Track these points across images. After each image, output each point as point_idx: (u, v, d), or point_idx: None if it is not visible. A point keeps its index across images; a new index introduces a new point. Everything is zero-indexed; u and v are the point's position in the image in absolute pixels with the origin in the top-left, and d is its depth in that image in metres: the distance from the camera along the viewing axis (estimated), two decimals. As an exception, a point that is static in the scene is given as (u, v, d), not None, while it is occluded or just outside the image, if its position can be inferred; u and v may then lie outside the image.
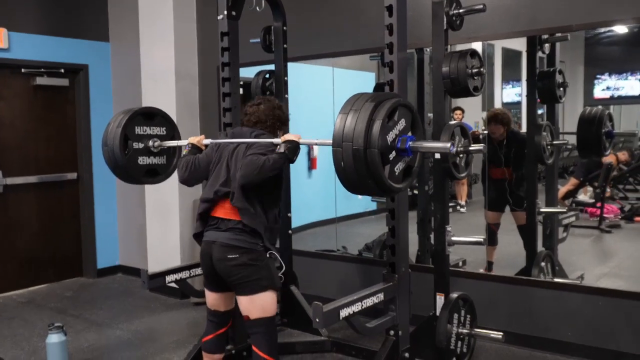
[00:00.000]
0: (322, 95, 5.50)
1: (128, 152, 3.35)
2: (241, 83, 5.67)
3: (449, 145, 2.39)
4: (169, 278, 3.42)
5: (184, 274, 3.48)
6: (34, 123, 5.80)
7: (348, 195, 5.75)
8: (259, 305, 2.83)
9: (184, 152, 3.26)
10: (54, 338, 3.70)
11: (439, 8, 3.27)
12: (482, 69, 3.21)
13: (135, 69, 5.65)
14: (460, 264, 4.83)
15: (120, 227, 6.31)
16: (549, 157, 4.33)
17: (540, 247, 4.48)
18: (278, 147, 2.85)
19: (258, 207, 2.84)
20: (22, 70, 5.64)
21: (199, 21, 5.49)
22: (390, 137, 2.34)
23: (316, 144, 2.86)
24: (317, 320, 2.52)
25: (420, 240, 4.99)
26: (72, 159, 6.11)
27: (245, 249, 2.81)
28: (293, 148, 2.84)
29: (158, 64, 5.36)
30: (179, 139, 3.61)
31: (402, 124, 2.42)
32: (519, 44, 4.66)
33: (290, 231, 4.16)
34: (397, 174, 2.42)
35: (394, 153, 2.37)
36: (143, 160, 3.43)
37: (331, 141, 2.37)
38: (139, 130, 3.41)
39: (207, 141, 3.20)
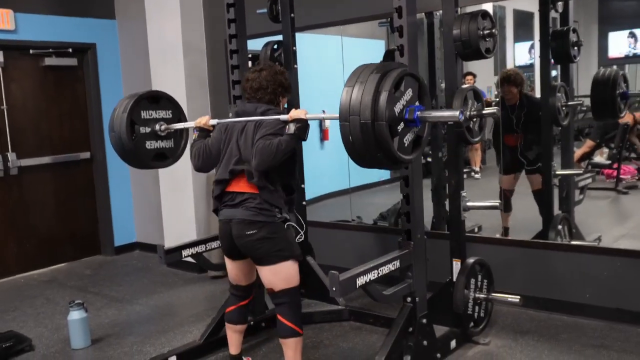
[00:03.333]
0: (332, 65, 5.45)
1: (135, 137, 3.30)
2: (249, 55, 5.65)
3: (457, 113, 2.35)
4: (185, 252, 3.43)
5: (200, 248, 3.49)
6: (45, 104, 5.82)
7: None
8: (282, 276, 2.87)
9: (193, 136, 3.22)
10: (75, 315, 3.77)
11: (448, -31, 3.19)
12: (493, 30, 3.14)
13: (143, 46, 5.62)
14: (476, 229, 4.80)
15: (135, 205, 6.35)
16: (564, 118, 4.27)
17: (556, 210, 4.44)
18: (287, 127, 2.81)
19: (277, 182, 2.87)
20: (31, 51, 5.63)
21: (204, -6, 5.43)
22: (397, 108, 2.30)
23: (323, 118, 2.81)
24: (334, 289, 2.52)
25: (435, 207, 4.96)
26: (84, 139, 6.13)
27: (262, 223, 2.82)
28: (303, 127, 2.81)
29: (165, 39, 5.32)
30: (185, 120, 3.55)
31: (409, 94, 2.37)
32: (531, 5, 4.56)
33: (304, 202, 4.15)
34: (406, 145, 2.39)
35: (402, 124, 2.34)
36: (151, 144, 3.38)
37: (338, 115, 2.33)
38: (144, 114, 3.35)
39: (214, 121, 3.14)
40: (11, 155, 5.52)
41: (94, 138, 6.13)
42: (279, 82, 3.03)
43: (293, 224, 2.92)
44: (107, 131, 5.99)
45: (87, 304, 3.99)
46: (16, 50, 5.54)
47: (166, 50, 5.33)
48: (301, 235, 3.02)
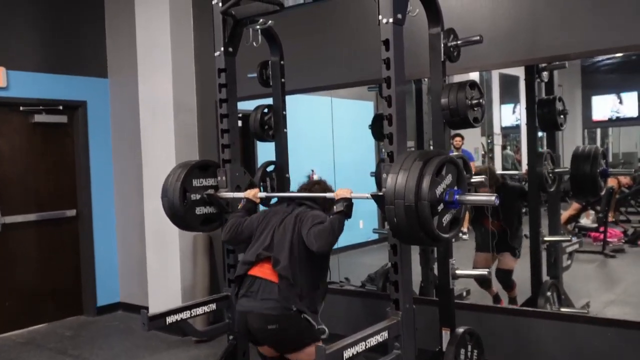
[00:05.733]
0: (321, 125, 5.50)
1: (186, 203, 3.51)
2: (239, 115, 5.69)
3: (493, 198, 2.57)
4: (169, 319, 3.35)
5: (184, 315, 3.41)
6: (33, 160, 5.80)
7: (349, 225, 5.69)
8: (307, 355, 3.03)
9: (240, 205, 3.49)
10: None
11: (436, 40, 3.26)
12: (481, 100, 3.19)
13: (134, 104, 5.65)
14: (464, 294, 4.76)
15: (120, 264, 6.26)
16: (551, 185, 4.30)
17: (544, 276, 4.42)
18: (334, 207, 3.04)
19: (302, 278, 3.04)
20: (21, 108, 5.65)
21: (196, 54, 5.51)
22: (438, 190, 2.52)
23: (367, 198, 2.91)
24: (320, 363, 2.45)
25: (423, 271, 4.93)
26: (71, 195, 6.08)
27: (282, 316, 2.98)
28: (350, 205, 3.04)
29: (156, 98, 5.36)
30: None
31: (449, 178, 2.60)
32: (516, 70, 4.65)
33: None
34: (444, 224, 2.59)
35: (442, 205, 2.56)
36: (200, 210, 3.59)
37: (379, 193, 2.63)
38: (195, 182, 3.57)
39: (263, 194, 3.45)
40: (-4, 212, 5.46)
41: (81, 195, 6.09)
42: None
43: (307, 317, 3.05)
44: (95, 188, 6.09)
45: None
46: (6, 106, 5.55)
47: (157, 108, 5.36)
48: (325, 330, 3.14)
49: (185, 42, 5.43)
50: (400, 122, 2.90)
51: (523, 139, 4.90)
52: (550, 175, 4.31)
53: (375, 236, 6.21)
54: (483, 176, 3.34)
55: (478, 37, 3.20)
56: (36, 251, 5.80)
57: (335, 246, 5.44)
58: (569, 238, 4.76)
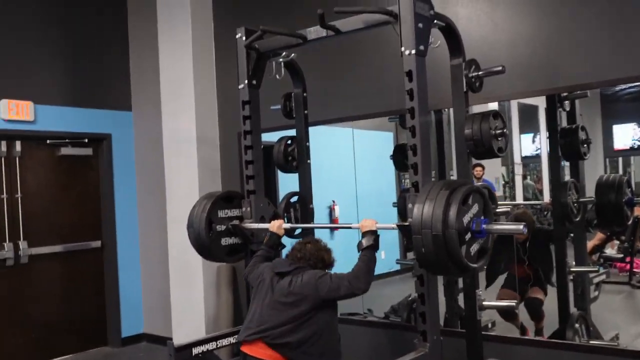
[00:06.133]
0: (342, 156, 5.52)
1: (212, 234, 3.56)
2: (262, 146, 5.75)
3: (521, 227, 2.57)
4: (195, 350, 3.37)
5: (210, 346, 3.43)
6: (59, 192, 5.90)
7: None
8: None
9: (265, 239, 3.50)
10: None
11: (458, 71, 3.29)
12: (505, 130, 3.20)
13: (157, 136, 5.74)
14: (490, 325, 4.69)
15: (144, 295, 6.29)
16: (576, 215, 4.25)
17: (572, 308, 4.34)
18: (363, 240, 3.03)
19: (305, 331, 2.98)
20: (48, 141, 5.77)
21: (218, 88, 5.59)
22: (465, 219, 2.54)
23: (393, 228, 2.93)
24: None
25: (447, 302, 4.87)
26: (96, 227, 6.16)
27: None
28: (377, 237, 3.04)
29: (179, 131, 5.44)
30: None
31: (475, 208, 2.61)
32: (535, 99, 4.65)
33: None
34: (472, 254, 2.60)
35: (469, 235, 2.56)
36: (226, 241, 3.63)
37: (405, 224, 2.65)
38: (221, 213, 3.62)
39: (287, 226, 3.50)
40: (22, 244, 5.54)
41: (105, 226, 6.16)
42: (320, 257, 3.25)
43: None
44: (119, 220, 6.16)
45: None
46: (34, 140, 5.68)
47: (180, 142, 5.43)
48: None
49: (207, 76, 5.53)
50: (425, 152, 2.92)
51: (544, 168, 4.88)
52: (575, 205, 4.26)
53: (397, 267, 6.18)
54: (510, 205, 3.31)
55: (500, 68, 3.22)
56: (61, 282, 5.86)
57: None
58: (597, 269, 4.68)
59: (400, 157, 5.22)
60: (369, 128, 5.71)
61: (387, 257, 5.94)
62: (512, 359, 3.67)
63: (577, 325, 4.16)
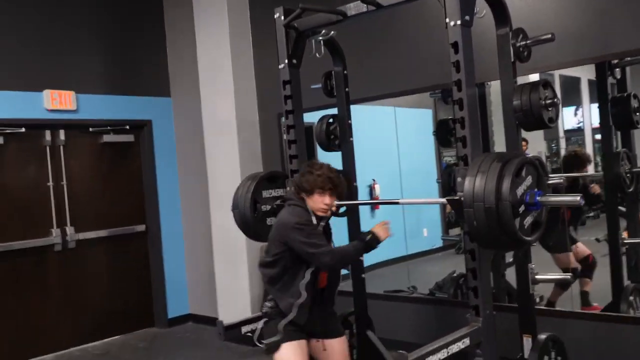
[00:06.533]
0: (381, 134, 5.48)
1: (257, 214, 3.57)
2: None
3: (578, 198, 2.48)
4: (244, 328, 3.39)
5: (260, 324, 3.43)
6: (103, 178, 6.00)
7: (413, 234, 5.57)
8: None
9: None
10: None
11: (505, 41, 3.19)
12: (555, 100, 3.10)
13: (197, 122, 5.77)
14: (538, 300, 4.62)
15: (189, 276, 6.38)
16: (629, 185, 4.13)
17: (625, 280, 4.24)
18: (363, 234, 3.12)
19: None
20: (90, 129, 5.86)
21: (256, 70, 5.58)
22: (519, 192, 2.46)
23: (443, 203, 2.91)
24: (403, 370, 2.42)
25: (494, 277, 4.80)
26: (139, 212, 6.25)
27: None
28: (378, 243, 3.11)
29: (219, 116, 5.46)
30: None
31: (528, 180, 2.53)
32: (578, 71, 4.51)
33: (363, 275, 4.08)
34: (526, 227, 2.52)
35: (522, 207, 2.49)
36: (270, 220, 3.59)
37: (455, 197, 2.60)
38: (265, 193, 3.63)
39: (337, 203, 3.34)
40: (69, 229, 5.66)
41: (149, 210, 6.25)
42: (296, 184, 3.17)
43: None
44: (162, 204, 6.24)
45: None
46: (77, 128, 5.77)
47: (220, 126, 5.46)
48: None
49: (245, 59, 5.52)
50: (473, 124, 2.86)
51: (587, 141, 4.77)
52: (628, 175, 4.14)
53: (439, 244, 6.13)
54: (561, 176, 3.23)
55: (549, 36, 3.12)
56: (108, 266, 5.99)
57: (400, 254, 5.38)
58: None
59: (443, 132, 5.16)
60: (408, 106, 5.65)
61: (430, 234, 5.90)
62: (566, 333, 3.59)
63: (631, 298, 4.06)
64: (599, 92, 4.21)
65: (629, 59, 3.94)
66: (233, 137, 5.34)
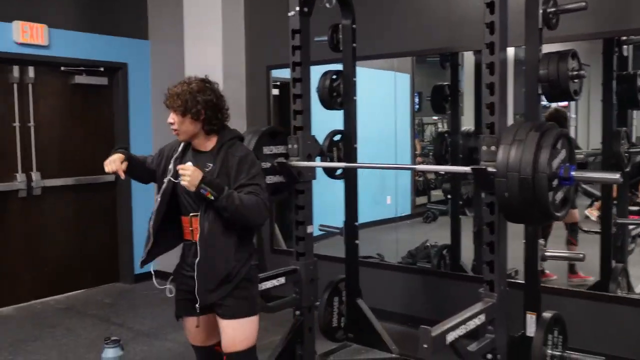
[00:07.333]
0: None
1: None
2: (277, 83, 5.44)
3: (617, 176, 2.36)
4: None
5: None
6: (72, 123, 5.64)
7: (377, 201, 5.42)
8: None
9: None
10: (110, 353, 3.50)
11: (534, 6, 3.03)
12: (582, 72, 2.97)
13: (177, 68, 5.42)
14: (513, 274, 4.59)
15: (158, 231, 6.11)
16: (627, 165, 4.10)
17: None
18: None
19: None
20: (62, 68, 5.46)
21: (246, 20, 5.29)
22: (554, 164, 2.36)
23: (468, 172, 2.67)
24: (425, 346, 2.29)
25: (476, 249, 4.76)
26: (109, 160, 5.91)
27: None
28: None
29: (204, 63, 5.14)
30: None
31: (563, 153, 2.43)
32: (569, 46, 4.42)
33: (357, 241, 3.94)
34: (557, 202, 2.44)
35: (556, 181, 2.40)
36: (270, 179, 3.34)
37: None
38: (265, 150, 3.39)
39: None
40: (35, 175, 5.31)
41: (120, 160, 5.92)
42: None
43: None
44: (134, 152, 5.90)
45: (113, 336, 3.64)
46: (47, 66, 5.36)
47: (204, 73, 5.13)
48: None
49: (235, 6, 5.22)
50: (503, 91, 2.72)
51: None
52: (626, 154, 4.10)
53: (408, 211, 6.03)
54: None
55: (583, 4, 2.97)
56: (73, 216, 5.67)
57: (362, 221, 5.07)
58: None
59: (437, 99, 5.01)
60: (383, 68, 5.42)
61: (394, 202, 5.77)
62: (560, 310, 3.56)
63: (620, 278, 4.07)
64: (604, 68, 4.13)
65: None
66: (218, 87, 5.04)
